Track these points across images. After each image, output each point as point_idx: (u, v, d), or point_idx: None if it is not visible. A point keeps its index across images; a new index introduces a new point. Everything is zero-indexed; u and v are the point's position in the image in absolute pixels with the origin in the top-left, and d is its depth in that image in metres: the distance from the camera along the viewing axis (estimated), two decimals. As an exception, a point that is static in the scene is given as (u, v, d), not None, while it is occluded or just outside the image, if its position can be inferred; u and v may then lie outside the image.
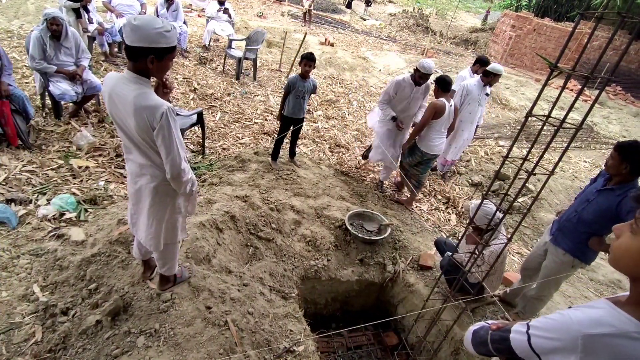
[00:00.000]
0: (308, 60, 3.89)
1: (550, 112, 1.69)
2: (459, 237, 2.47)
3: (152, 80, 1.79)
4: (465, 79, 5.08)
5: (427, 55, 12.99)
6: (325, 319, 3.49)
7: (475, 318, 2.95)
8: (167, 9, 6.70)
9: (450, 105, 3.89)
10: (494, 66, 4.56)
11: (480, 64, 5.00)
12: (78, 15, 5.38)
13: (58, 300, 2.34)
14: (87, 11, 5.59)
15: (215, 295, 2.40)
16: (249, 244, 3.13)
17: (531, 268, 2.98)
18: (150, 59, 1.66)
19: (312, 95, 6.00)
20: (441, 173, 5.48)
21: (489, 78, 4.56)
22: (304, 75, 3.94)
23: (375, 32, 15.78)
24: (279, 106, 4.72)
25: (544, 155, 1.81)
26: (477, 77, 4.75)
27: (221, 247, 2.88)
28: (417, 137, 4.01)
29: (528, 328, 1.01)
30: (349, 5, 18.66)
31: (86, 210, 3.20)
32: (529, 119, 1.77)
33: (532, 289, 2.90)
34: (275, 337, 2.38)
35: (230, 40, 7.14)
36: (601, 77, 1.74)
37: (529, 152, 1.88)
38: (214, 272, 2.62)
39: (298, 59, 6.80)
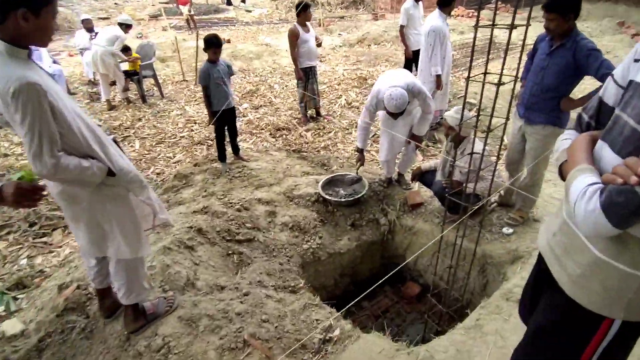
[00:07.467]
0: (216, 47, 3.50)
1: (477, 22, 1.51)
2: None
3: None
4: (432, 20, 4.28)
5: (324, 26, 12.93)
6: (341, 300, 3.17)
7: (485, 229, 2.82)
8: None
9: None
10: None
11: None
12: None
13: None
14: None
15: (218, 318, 1.96)
16: (230, 252, 2.68)
17: (515, 161, 2.92)
18: (22, 13, 1.21)
19: (233, 78, 5.39)
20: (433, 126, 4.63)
21: (450, 7, 4.20)
22: (213, 60, 3.53)
23: (267, 19, 15.41)
24: (204, 109, 4.20)
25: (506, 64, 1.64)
26: (437, 13, 4.21)
27: (201, 266, 2.40)
28: None
29: None
30: (229, 3, 18.00)
31: (15, 299, 2.58)
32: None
33: (524, 179, 2.83)
34: (304, 333, 2.02)
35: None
36: None
37: (486, 64, 1.69)
38: (204, 294, 2.16)
39: (199, 64, 6.21)
